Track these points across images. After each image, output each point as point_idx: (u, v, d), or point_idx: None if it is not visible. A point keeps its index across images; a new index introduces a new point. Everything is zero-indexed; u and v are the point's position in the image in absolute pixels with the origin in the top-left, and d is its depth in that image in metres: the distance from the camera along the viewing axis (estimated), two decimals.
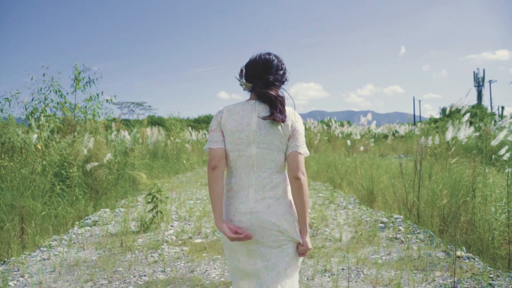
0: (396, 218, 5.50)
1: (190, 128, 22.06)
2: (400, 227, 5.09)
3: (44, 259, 4.24)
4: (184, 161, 14.17)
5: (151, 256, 4.32)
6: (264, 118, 1.82)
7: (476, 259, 3.84)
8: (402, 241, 4.62)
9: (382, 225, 5.32)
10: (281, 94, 1.89)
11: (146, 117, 35.33)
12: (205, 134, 22.49)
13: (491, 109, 33.74)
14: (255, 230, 1.84)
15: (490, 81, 41.37)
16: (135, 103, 47.35)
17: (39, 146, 6.21)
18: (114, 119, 12.19)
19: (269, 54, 1.93)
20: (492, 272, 3.52)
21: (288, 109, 1.87)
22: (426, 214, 5.30)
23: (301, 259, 2.02)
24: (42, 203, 5.57)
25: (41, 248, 4.61)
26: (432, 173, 6.11)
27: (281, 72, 1.92)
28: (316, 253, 4.29)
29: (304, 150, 1.83)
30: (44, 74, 7.26)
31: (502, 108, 29.55)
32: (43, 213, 5.36)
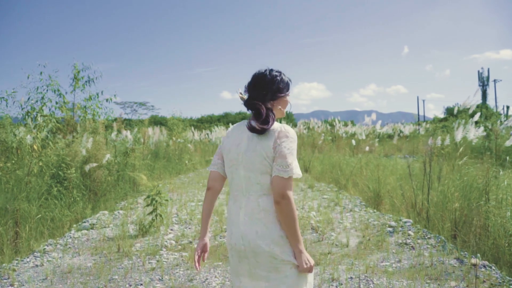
0: (405, 222, 5.27)
1: (192, 128, 21.89)
2: (410, 232, 4.87)
3: (36, 265, 4.05)
4: (186, 161, 13.98)
5: (149, 262, 4.12)
6: (249, 129, 1.80)
7: (493, 268, 3.62)
8: (412, 246, 4.40)
9: (390, 229, 5.10)
10: (268, 106, 1.86)
11: (149, 117, 35.15)
12: (207, 134, 22.31)
13: (496, 108, 33.46)
14: (249, 254, 1.81)
15: (495, 81, 40.99)
16: (138, 103, 47.18)
17: (35, 147, 6.01)
18: (115, 119, 12.03)
19: (265, 70, 1.92)
20: None
21: (278, 127, 1.81)
22: (437, 217, 5.08)
23: (309, 277, 1.84)
24: (38, 205, 5.38)
25: (35, 253, 4.42)
26: (441, 174, 5.87)
27: (274, 86, 1.88)
28: (323, 259, 4.07)
29: (290, 173, 1.73)
30: (41, 73, 7.07)
31: (507, 107, 29.26)
32: (38, 216, 5.18)
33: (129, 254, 4.34)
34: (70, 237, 5.09)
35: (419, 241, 4.55)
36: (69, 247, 4.69)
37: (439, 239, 4.52)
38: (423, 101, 44.87)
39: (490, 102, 39.63)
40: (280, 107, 1.91)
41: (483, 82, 41.51)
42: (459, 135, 6.02)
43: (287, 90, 1.92)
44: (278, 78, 1.89)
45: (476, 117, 6.46)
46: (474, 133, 6.13)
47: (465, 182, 5.03)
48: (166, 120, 20.51)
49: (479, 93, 7.11)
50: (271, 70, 1.92)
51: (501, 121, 14.06)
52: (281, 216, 1.73)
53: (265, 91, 1.87)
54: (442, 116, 34.91)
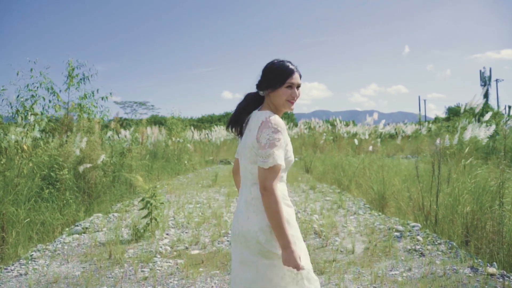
0: (413, 227, 5.00)
1: (192, 128, 21.63)
2: (418, 237, 4.60)
3: (21, 274, 3.78)
4: (186, 162, 13.71)
5: (142, 271, 3.85)
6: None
7: None
8: (422, 253, 4.13)
9: (397, 234, 4.83)
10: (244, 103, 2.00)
11: (149, 117, 34.83)
12: (207, 134, 22.05)
13: (498, 108, 33.20)
14: (241, 238, 1.86)
15: (497, 80, 40.66)
16: (138, 102, 46.93)
17: (25, 147, 5.75)
18: (113, 119, 11.78)
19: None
20: None
21: (263, 117, 1.83)
22: (446, 222, 4.81)
23: (305, 269, 1.82)
24: (27, 208, 5.12)
25: (21, 260, 4.15)
26: (450, 176, 5.60)
27: (267, 76, 1.92)
28: (327, 268, 3.81)
29: (270, 163, 1.73)
30: (31, 69, 6.79)
31: (509, 107, 28.99)
32: (27, 220, 4.92)
33: (121, 262, 4.07)
34: (61, 242, 4.83)
35: (428, 247, 4.28)
36: (58, 253, 4.43)
37: (450, 245, 4.25)
38: (424, 101, 44.64)
39: (492, 102, 39.34)
40: (275, 98, 1.91)
41: (485, 82, 41.19)
42: (468, 134, 5.75)
43: (280, 80, 1.88)
44: (273, 67, 1.91)
45: (487, 116, 6.19)
46: (485, 133, 5.86)
47: (476, 184, 4.76)
48: (165, 120, 20.24)
49: (480, 93, 6.85)
50: (274, 60, 1.95)
51: (504, 121, 13.82)
52: (264, 207, 1.75)
53: (261, 79, 1.94)
54: (443, 116, 34.61)
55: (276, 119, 1.80)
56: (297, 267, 1.70)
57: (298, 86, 1.93)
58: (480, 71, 41.31)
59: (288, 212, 1.84)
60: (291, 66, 1.90)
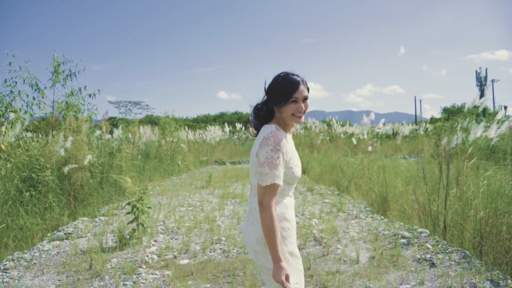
0: (421, 233, 4.64)
1: (186, 128, 21.24)
2: (427, 244, 4.24)
3: None
4: (179, 162, 13.32)
5: (124, 284, 3.46)
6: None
7: None
8: (433, 263, 3.77)
9: (404, 240, 4.47)
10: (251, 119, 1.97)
11: (144, 116, 34.39)
12: (201, 134, 21.67)
13: (494, 108, 33.10)
14: (246, 246, 1.92)
15: (492, 81, 40.56)
16: (133, 102, 46.41)
17: (3, 146, 5.35)
18: (108, 119, 11.39)
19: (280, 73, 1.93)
20: None
21: (266, 133, 1.81)
22: (457, 227, 4.46)
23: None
24: (3, 213, 4.73)
25: None
26: (459, 178, 5.26)
27: (271, 92, 1.88)
28: (330, 280, 3.44)
29: (267, 182, 1.74)
30: (10, 63, 6.37)
31: (505, 107, 28.91)
32: (2, 225, 4.52)
33: (102, 273, 3.68)
34: (39, 250, 4.43)
35: (439, 256, 3.92)
36: (35, 263, 4.02)
37: (463, 254, 3.90)
38: (420, 101, 44.53)
39: (488, 102, 39.20)
40: (282, 113, 1.86)
41: (481, 82, 41.08)
42: (478, 134, 5.42)
43: (284, 96, 1.82)
44: (277, 82, 1.85)
45: (500, 115, 5.88)
46: (495, 131, 5.53)
47: (490, 187, 4.42)
48: (159, 119, 19.79)
49: (478, 93, 6.60)
50: (280, 73, 1.88)
51: (502, 121, 13.58)
52: (261, 222, 1.75)
53: (268, 97, 1.89)
54: (438, 116, 34.51)
55: (276, 137, 1.78)
56: (282, 284, 1.70)
57: (305, 99, 1.86)
58: (476, 71, 41.26)
59: (284, 227, 1.84)
60: (296, 79, 1.84)
